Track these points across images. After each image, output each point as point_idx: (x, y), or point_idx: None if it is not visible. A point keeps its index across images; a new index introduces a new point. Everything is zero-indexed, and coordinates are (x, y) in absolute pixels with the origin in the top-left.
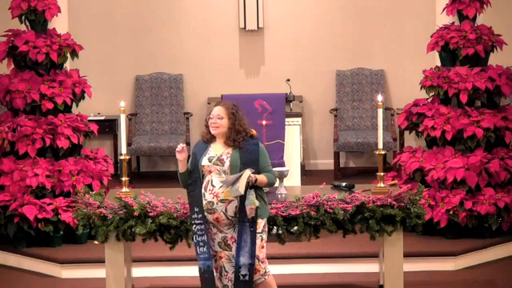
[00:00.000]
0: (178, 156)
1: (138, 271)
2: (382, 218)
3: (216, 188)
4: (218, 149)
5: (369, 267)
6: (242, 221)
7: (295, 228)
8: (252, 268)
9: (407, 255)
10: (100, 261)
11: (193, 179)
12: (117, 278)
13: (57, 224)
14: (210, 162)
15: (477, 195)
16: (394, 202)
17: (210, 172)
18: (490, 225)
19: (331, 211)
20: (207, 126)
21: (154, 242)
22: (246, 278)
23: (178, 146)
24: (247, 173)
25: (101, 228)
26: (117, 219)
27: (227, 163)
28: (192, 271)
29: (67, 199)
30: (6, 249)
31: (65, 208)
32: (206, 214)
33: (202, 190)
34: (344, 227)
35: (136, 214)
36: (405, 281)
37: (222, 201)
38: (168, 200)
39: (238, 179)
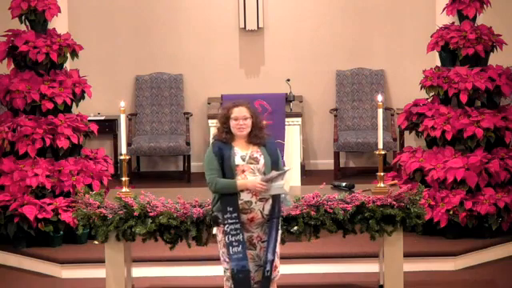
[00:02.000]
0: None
1: (138, 271)
2: (382, 218)
3: None
4: (243, 147)
5: (369, 267)
6: (272, 218)
7: (295, 228)
8: (273, 263)
9: (407, 255)
10: (100, 261)
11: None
12: (117, 278)
13: (57, 224)
14: (243, 161)
15: (477, 195)
16: (394, 202)
17: (244, 171)
18: (490, 225)
19: (331, 211)
20: (225, 128)
21: (154, 242)
22: (269, 273)
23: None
24: (289, 171)
25: (101, 228)
26: (117, 219)
27: (262, 161)
28: (192, 271)
29: (67, 199)
30: (6, 249)
31: (65, 208)
32: (240, 214)
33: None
34: (344, 227)
35: (136, 213)
36: (405, 281)
37: (260, 199)
38: (168, 200)
39: (279, 177)
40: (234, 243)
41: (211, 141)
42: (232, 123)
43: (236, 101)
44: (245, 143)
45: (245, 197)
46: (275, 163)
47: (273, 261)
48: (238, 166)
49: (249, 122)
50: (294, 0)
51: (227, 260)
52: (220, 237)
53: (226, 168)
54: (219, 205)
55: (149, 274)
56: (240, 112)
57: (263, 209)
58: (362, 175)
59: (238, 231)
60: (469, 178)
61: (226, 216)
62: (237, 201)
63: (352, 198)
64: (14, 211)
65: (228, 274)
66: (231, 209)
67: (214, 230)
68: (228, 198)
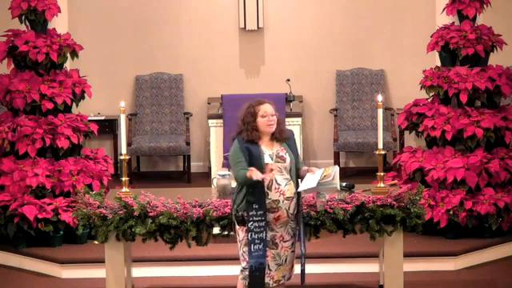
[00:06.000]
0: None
1: (138, 271)
2: (381, 218)
3: (282, 186)
4: (268, 146)
5: (369, 267)
6: (297, 213)
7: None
8: (305, 258)
9: (407, 255)
10: (100, 261)
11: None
12: (117, 277)
13: (57, 224)
14: (271, 159)
15: (477, 195)
16: (394, 202)
17: (272, 170)
18: (490, 225)
19: (331, 211)
20: (253, 126)
21: (154, 242)
22: (303, 267)
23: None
24: (337, 168)
25: (101, 228)
26: (117, 219)
27: (288, 159)
28: (192, 271)
29: (67, 199)
30: (6, 249)
31: (65, 208)
32: (267, 213)
33: (265, 189)
34: (344, 227)
35: (136, 213)
36: (405, 281)
37: (287, 198)
38: (168, 200)
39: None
40: (257, 241)
41: (235, 139)
42: (261, 120)
43: (258, 99)
44: (269, 141)
45: (273, 196)
46: (296, 158)
47: (305, 255)
48: (267, 164)
49: (275, 118)
50: (294, 0)
51: (247, 258)
52: (242, 236)
53: (256, 166)
54: (244, 204)
55: (149, 274)
56: (267, 108)
57: (289, 208)
58: (362, 175)
59: (262, 229)
60: (469, 178)
61: (250, 213)
62: (264, 199)
63: (352, 197)
64: (14, 211)
65: (246, 272)
66: (257, 206)
67: (216, 230)
68: (256, 196)
